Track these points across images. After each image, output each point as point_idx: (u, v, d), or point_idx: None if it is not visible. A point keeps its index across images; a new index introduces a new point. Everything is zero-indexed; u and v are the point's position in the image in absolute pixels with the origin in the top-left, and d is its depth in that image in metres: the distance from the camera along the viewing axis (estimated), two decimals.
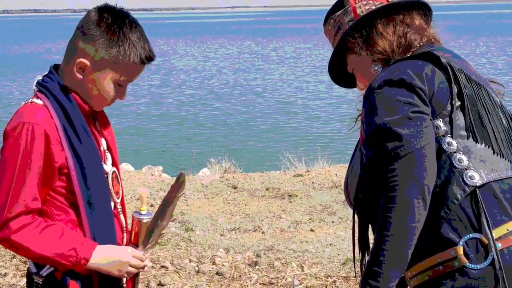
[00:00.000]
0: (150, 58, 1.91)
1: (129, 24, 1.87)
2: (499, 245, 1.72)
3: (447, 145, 1.76)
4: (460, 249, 1.73)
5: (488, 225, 1.72)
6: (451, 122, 1.77)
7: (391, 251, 1.70)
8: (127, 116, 17.40)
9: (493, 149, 1.79)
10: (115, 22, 1.85)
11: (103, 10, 1.88)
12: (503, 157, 1.80)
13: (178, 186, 2.05)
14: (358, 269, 2.02)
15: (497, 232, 1.73)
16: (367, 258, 1.88)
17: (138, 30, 1.89)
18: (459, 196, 1.73)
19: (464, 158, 1.75)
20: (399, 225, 1.69)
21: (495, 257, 1.71)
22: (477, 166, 1.75)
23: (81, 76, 1.87)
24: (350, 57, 2.00)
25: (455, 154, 1.75)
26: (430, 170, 1.71)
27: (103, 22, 1.84)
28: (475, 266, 1.72)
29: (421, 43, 1.92)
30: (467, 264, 1.73)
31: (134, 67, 1.88)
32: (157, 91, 22.87)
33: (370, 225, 1.92)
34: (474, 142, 1.77)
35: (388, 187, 1.72)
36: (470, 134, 1.78)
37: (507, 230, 1.74)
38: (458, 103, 1.78)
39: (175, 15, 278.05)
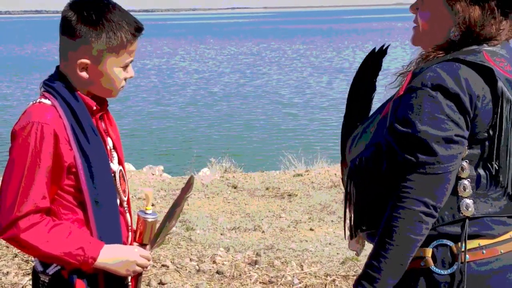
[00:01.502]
0: (139, 28, 1.91)
1: (106, 8, 1.86)
2: (468, 257, 1.73)
3: (460, 169, 1.73)
4: (429, 252, 1.75)
5: (464, 237, 1.73)
6: (476, 149, 1.73)
7: (392, 260, 1.69)
8: (128, 116, 17.42)
9: (505, 190, 1.77)
10: (93, 12, 1.84)
11: (76, 5, 1.86)
12: (510, 200, 1.79)
13: (187, 187, 2.08)
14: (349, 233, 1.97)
15: (469, 244, 1.73)
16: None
17: (116, 9, 1.88)
18: (446, 218, 1.74)
19: (469, 186, 1.73)
20: (405, 236, 1.68)
21: (461, 267, 1.72)
22: (478, 199, 1.74)
23: (87, 75, 1.88)
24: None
25: (463, 179, 1.74)
26: (447, 193, 1.70)
27: (82, 17, 1.83)
28: (439, 271, 1.74)
29: (499, 41, 1.78)
30: (432, 267, 1.75)
31: (129, 44, 1.89)
32: (158, 92, 22.89)
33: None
34: (488, 176, 1.75)
35: (400, 196, 1.69)
36: (489, 167, 1.74)
37: (479, 244, 1.75)
38: (491, 133, 1.72)
39: (176, 16, 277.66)
